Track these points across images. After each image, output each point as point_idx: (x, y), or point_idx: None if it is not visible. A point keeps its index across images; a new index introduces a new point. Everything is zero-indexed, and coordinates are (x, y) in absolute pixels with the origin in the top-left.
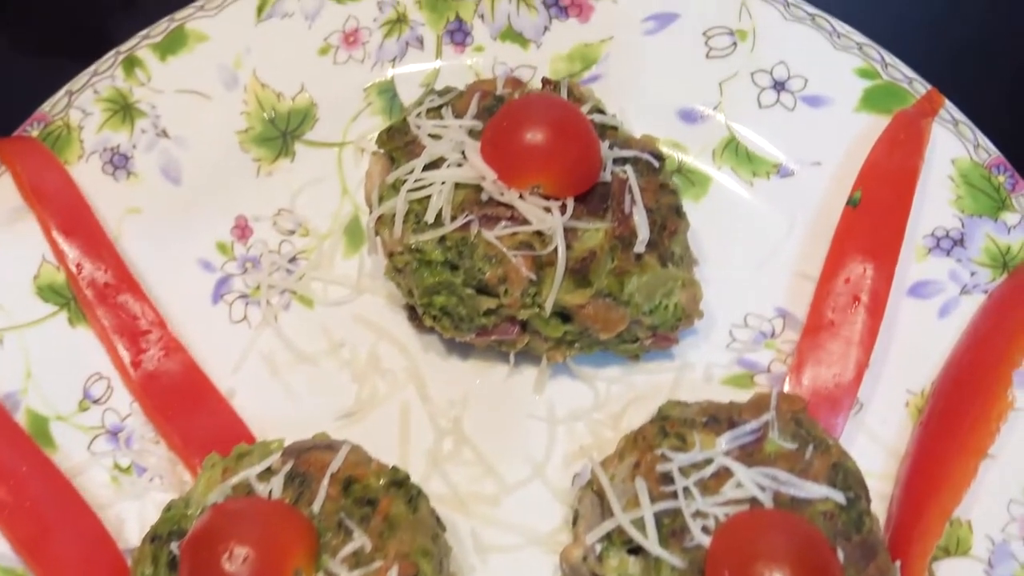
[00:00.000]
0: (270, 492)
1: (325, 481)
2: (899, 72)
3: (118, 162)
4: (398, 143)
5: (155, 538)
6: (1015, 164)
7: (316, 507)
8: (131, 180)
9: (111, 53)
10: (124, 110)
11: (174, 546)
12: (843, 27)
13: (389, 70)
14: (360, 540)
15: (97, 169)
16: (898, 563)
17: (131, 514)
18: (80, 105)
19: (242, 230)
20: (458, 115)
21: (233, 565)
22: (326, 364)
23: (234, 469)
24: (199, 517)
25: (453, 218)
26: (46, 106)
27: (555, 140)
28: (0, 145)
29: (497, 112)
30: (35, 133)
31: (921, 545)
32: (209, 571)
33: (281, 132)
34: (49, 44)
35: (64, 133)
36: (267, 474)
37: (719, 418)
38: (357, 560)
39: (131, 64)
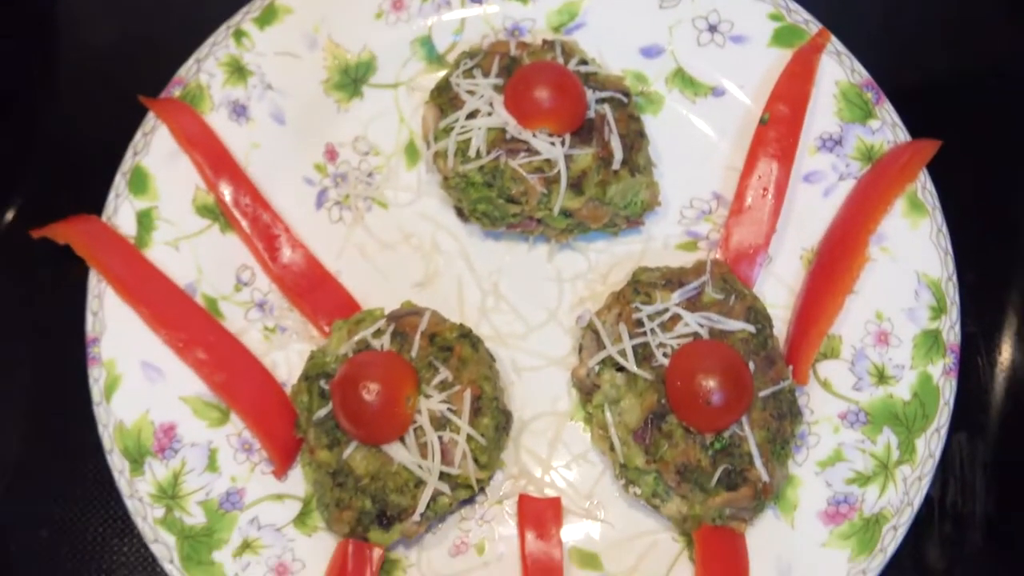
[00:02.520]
0: (381, 345)
1: (417, 336)
2: (799, 16)
3: (239, 111)
4: (445, 98)
5: (307, 377)
6: (881, 83)
7: (413, 354)
8: (250, 124)
9: (223, 27)
10: (238, 71)
11: (322, 383)
12: None
13: (427, 25)
14: (444, 374)
15: (225, 117)
16: (791, 367)
17: (280, 361)
18: (207, 69)
19: (331, 154)
20: (485, 74)
21: (370, 396)
22: (401, 249)
23: (355, 330)
24: (340, 365)
25: (488, 152)
26: (181, 72)
27: (554, 97)
28: (156, 106)
29: (513, 75)
30: (177, 93)
31: (807, 353)
32: (353, 401)
33: (352, 79)
34: None
35: (198, 92)
36: (378, 334)
37: (673, 280)
38: (443, 387)
39: (239, 35)
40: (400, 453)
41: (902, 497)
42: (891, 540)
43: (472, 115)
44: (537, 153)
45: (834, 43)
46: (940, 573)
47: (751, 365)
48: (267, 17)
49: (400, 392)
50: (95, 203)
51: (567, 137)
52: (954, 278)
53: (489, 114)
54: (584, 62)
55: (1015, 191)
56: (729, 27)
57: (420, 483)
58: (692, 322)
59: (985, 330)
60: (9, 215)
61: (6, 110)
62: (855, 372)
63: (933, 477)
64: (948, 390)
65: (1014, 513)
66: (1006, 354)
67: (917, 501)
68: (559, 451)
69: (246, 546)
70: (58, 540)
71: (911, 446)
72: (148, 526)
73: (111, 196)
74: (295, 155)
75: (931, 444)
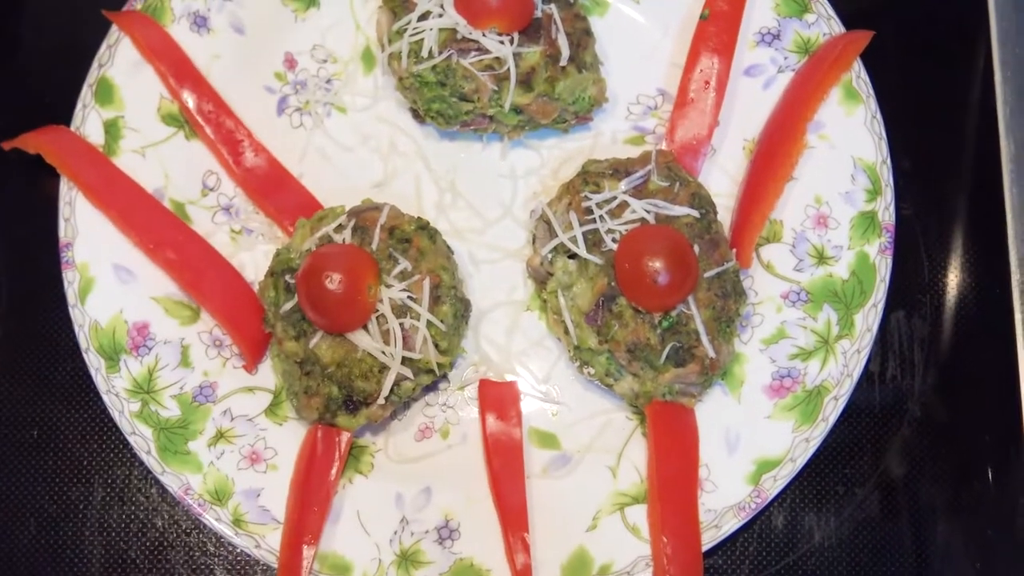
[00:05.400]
0: (343, 239)
1: (377, 230)
2: None
3: (200, 22)
4: (398, 1)
5: (273, 273)
6: None
7: (374, 247)
8: (211, 34)
9: None
10: None
11: (287, 278)
12: None
13: None
14: (404, 264)
15: (186, 28)
16: (734, 250)
17: (248, 261)
18: None
19: (290, 62)
20: None
21: (332, 285)
22: (361, 151)
23: (317, 227)
24: (304, 259)
25: (439, 52)
26: None
27: None
28: (119, 18)
29: None
30: (139, 6)
31: (750, 236)
32: (317, 291)
33: None
34: None
35: (158, 5)
36: (339, 229)
37: (620, 170)
38: (403, 276)
39: None
40: (363, 340)
41: (842, 369)
42: (832, 410)
43: (424, 16)
44: (487, 52)
45: None
46: (885, 440)
47: (696, 248)
48: None
49: (361, 281)
50: (64, 116)
51: (515, 36)
52: (888, 161)
53: (440, 15)
54: None
55: (945, 80)
56: None
57: (384, 368)
58: (639, 208)
59: (920, 213)
60: None
61: None
62: (796, 254)
63: (872, 353)
64: (884, 267)
65: (949, 384)
66: (941, 236)
67: (856, 373)
68: (517, 338)
69: (220, 436)
70: (45, 439)
71: (850, 321)
72: (125, 419)
73: (79, 107)
74: (255, 64)
75: (869, 319)
